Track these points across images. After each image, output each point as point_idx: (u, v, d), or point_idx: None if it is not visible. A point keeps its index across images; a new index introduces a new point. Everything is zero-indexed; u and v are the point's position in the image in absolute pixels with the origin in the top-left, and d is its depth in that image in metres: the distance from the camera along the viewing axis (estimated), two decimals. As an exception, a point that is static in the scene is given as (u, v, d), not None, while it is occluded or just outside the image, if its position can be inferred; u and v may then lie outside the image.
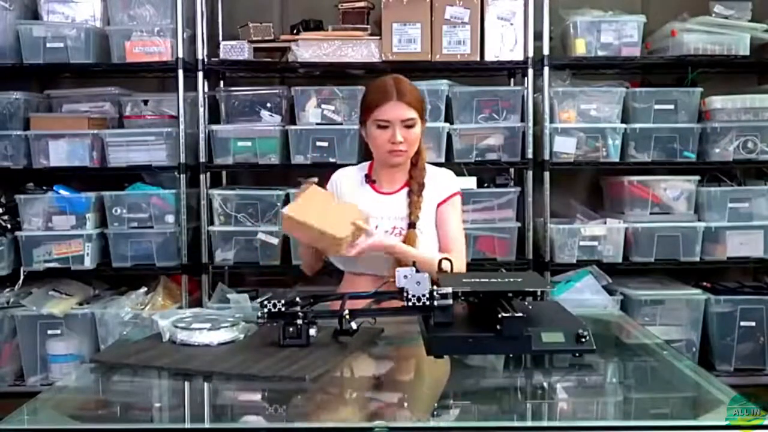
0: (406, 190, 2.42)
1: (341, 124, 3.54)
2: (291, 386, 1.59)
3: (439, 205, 2.41)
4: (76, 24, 3.58)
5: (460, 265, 2.13)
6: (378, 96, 2.35)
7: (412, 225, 2.35)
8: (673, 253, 3.56)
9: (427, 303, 1.71)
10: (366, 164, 2.53)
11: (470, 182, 3.57)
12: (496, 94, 3.61)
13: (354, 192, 2.46)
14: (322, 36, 3.59)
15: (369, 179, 2.47)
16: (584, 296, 3.43)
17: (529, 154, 3.57)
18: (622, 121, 3.59)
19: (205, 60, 3.59)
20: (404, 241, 2.32)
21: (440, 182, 2.44)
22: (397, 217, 2.38)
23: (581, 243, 3.58)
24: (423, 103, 2.41)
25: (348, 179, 2.52)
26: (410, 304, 1.73)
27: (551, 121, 3.57)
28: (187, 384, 1.69)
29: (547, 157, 3.56)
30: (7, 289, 3.57)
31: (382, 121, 2.33)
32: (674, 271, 3.74)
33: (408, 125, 2.33)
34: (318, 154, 3.54)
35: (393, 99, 2.32)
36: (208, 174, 3.64)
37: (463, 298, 1.76)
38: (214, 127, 3.59)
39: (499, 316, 1.62)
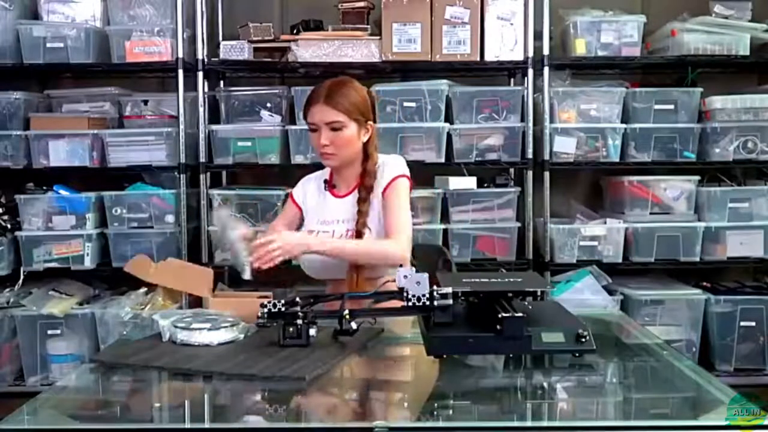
0: (356, 192, 2.40)
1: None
2: (291, 386, 1.58)
3: (383, 193, 2.36)
4: (76, 24, 3.58)
5: (396, 249, 2.17)
6: (308, 99, 2.35)
7: (358, 234, 2.32)
8: (673, 253, 3.57)
9: (427, 303, 1.71)
10: (328, 169, 2.50)
11: (470, 182, 3.57)
12: (496, 94, 3.61)
13: (317, 199, 2.48)
14: (322, 36, 3.59)
15: (328, 184, 2.47)
16: (584, 296, 3.42)
17: (529, 154, 3.57)
18: (622, 121, 3.59)
19: (205, 60, 3.59)
20: None
21: (384, 171, 2.38)
22: (349, 220, 2.37)
23: (581, 243, 3.58)
24: (362, 106, 2.33)
25: (312, 186, 2.52)
26: (410, 304, 1.73)
27: (551, 121, 3.57)
28: (187, 384, 1.69)
29: (547, 157, 3.56)
30: (7, 289, 3.57)
31: (311, 124, 2.33)
32: (674, 271, 3.74)
33: (334, 128, 2.29)
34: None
35: (320, 102, 2.30)
36: (208, 174, 3.64)
37: (463, 298, 1.76)
38: (214, 127, 3.60)
39: (499, 316, 1.62)
